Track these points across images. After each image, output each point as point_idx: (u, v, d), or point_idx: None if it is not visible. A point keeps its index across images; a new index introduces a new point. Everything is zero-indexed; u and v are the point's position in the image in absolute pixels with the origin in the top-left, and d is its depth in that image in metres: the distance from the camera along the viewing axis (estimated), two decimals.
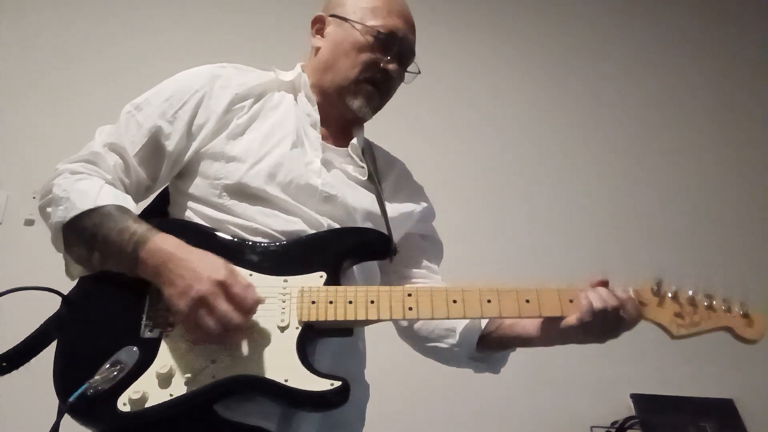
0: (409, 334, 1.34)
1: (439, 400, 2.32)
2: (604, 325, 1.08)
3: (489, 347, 1.27)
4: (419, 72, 1.34)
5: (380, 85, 1.27)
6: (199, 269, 0.97)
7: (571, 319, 1.09)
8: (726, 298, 1.12)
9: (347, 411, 1.08)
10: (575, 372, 2.46)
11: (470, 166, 2.82)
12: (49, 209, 1.07)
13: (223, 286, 0.96)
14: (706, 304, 1.11)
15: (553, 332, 1.14)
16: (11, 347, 1.01)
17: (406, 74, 1.33)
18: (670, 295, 1.12)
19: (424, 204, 1.37)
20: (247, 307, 0.97)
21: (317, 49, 1.31)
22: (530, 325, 1.20)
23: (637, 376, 2.48)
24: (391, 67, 1.26)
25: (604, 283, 1.12)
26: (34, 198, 2.13)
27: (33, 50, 2.57)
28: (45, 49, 2.57)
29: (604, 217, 2.80)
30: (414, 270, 1.36)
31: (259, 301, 0.99)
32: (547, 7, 3.26)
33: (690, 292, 1.12)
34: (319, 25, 1.33)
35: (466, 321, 1.27)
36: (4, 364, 1.00)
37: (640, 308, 1.11)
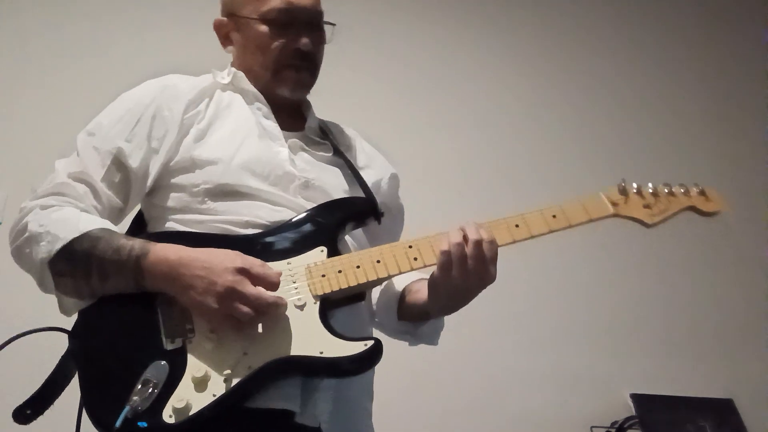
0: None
1: (436, 399, 2.33)
2: (460, 268, 1.04)
3: (410, 318, 1.26)
4: (334, 25, 1.30)
5: (301, 64, 1.25)
6: (214, 264, 0.97)
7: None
8: (682, 183, 1.23)
9: (354, 386, 1.12)
10: (575, 372, 2.49)
11: (456, 158, 2.78)
12: (27, 249, 1.03)
13: (245, 272, 0.97)
14: (666, 191, 1.22)
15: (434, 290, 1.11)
16: (32, 394, 0.97)
17: (325, 36, 1.30)
18: (634, 191, 1.22)
19: (390, 171, 1.39)
20: (274, 282, 0.99)
21: (231, 53, 1.31)
22: (423, 290, 1.16)
23: (637, 376, 2.49)
24: (302, 42, 1.23)
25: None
26: None
27: (31, 50, 2.48)
28: (43, 49, 2.48)
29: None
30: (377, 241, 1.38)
31: (280, 274, 1.01)
32: (540, 3, 3.21)
33: (650, 185, 1.23)
34: (223, 31, 1.32)
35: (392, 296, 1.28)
36: (29, 411, 0.96)
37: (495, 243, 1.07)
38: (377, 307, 1.31)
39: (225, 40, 1.32)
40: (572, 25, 3.19)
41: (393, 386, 2.16)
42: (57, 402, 1.03)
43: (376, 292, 1.32)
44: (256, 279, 0.98)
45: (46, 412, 1.00)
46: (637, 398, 2.41)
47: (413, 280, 1.27)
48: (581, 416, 2.41)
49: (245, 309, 0.96)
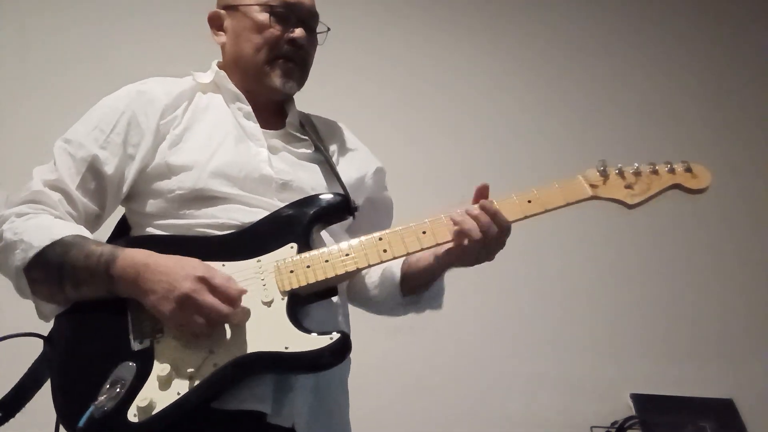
0: (356, 298, 1.33)
1: (436, 399, 2.32)
2: (483, 240, 1.08)
3: (414, 289, 1.26)
4: (329, 29, 1.32)
5: (294, 57, 1.25)
6: (176, 270, 0.98)
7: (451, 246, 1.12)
8: (667, 161, 1.18)
9: (332, 383, 1.12)
10: (575, 372, 2.48)
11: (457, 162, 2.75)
12: (3, 257, 1.06)
13: (204, 281, 0.97)
14: (650, 170, 1.16)
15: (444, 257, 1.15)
16: (2, 396, 1.00)
17: (318, 36, 1.31)
18: (615, 172, 1.17)
19: (375, 165, 1.38)
20: (232, 297, 0.98)
21: (222, 45, 1.32)
22: (423, 257, 1.20)
23: (637, 376, 2.48)
24: (296, 35, 1.24)
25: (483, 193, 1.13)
26: None
27: (32, 51, 2.52)
28: (44, 50, 2.53)
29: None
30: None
31: (242, 291, 1.00)
32: (542, 5, 3.17)
33: (635, 164, 1.17)
34: (216, 22, 1.33)
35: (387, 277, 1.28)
36: (1, 413, 0.99)
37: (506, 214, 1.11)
38: (377, 288, 1.29)
39: (218, 30, 1.31)
40: (570, 26, 3.15)
41: (394, 389, 2.20)
42: (39, 405, 1.05)
43: (372, 276, 1.30)
44: (215, 290, 0.98)
45: (29, 415, 1.02)
46: (637, 398, 2.42)
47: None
48: (581, 416, 2.40)
49: (198, 318, 0.97)
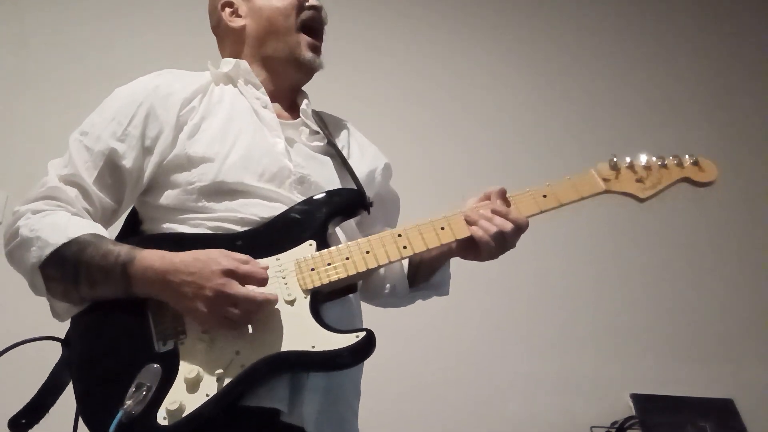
0: (362, 289, 1.33)
1: (436, 399, 2.34)
2: (499, 245, 1.10)
3: (422, 278, 1.28)
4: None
5: (315, 24, 1.31)
6: (200, 268, 0.97)
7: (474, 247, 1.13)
8: (675, 155, 1.20)
9: (344, 385, 1.12)
10: (575, 372, 2.48)
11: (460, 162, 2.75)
12: (19, 254, 1.03)
13: (231, 273, 0.96)
14: (659, 164, 1.19)
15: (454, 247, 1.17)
16: (27, 403, 0.98)
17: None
18: (626, 165, 1.19)
19: (383, 161, 1.39)
20: (262, 278, 0.98)
21: (242, 29, 1.30)
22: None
23: (637, 376, 2.49)
24: (313, 2, 1.30)
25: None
26: None
27: (32, 50, 2.47)
28: (44, 49, 2.48)
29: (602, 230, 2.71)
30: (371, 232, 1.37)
31: (267, 268, 1.01)
32: (546, 3, 3.18)
33: (643, 158, 1.20)
34: (229, 9, 1.32)
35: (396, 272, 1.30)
36: (24, 420, 0.97)
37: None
38: (383, 277, 1.30)
39: (231, 15, 1.32)
40: (574, 24, 3.16)
41: (395, 389, 2.21)
42: (54, 409, 1.03)
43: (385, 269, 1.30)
44: (244, 278, 0.97)
45: (43, 420, 1.00)
46: (637, 398, 2.41)
47: None
48: (581, 416, 2.40)
49: (236, 311, 0.96)
